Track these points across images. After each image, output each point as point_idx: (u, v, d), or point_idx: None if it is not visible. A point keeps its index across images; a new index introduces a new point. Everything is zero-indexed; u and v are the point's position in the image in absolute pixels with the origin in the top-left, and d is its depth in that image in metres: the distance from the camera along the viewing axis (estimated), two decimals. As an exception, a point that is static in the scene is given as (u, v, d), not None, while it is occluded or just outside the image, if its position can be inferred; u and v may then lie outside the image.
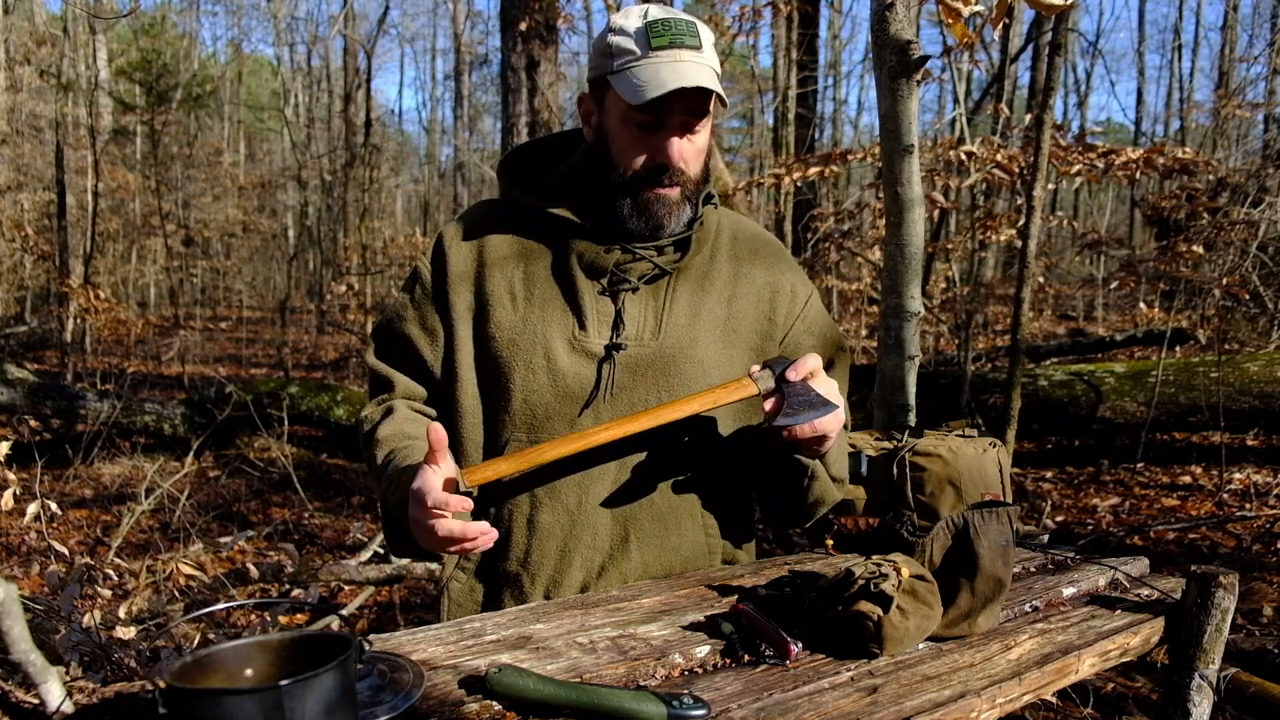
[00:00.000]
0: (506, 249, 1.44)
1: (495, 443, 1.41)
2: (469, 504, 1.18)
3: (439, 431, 1.16)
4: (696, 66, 1.30)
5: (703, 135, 1.38)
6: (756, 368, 1.33)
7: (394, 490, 1.29)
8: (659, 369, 1.39)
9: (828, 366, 1.52)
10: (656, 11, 1.34)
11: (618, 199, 1.38)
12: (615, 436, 1.28)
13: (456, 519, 1.16)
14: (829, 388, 1.32)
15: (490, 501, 1.42)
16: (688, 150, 1.36)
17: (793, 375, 1.29)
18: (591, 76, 1.40)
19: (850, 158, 6.90)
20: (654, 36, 1.30)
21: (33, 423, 7.74)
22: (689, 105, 1.32)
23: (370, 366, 1.50)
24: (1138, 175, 5.85)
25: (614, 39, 1.33)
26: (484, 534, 1.17)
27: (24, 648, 1.30)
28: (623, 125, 1.35)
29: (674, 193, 1.37)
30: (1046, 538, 1.89)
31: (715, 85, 1.30)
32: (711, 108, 1.37)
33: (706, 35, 1.35)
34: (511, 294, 1.41)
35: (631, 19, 1.34)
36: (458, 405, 1.43)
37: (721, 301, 1.45)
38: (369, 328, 11.70)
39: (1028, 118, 5.69)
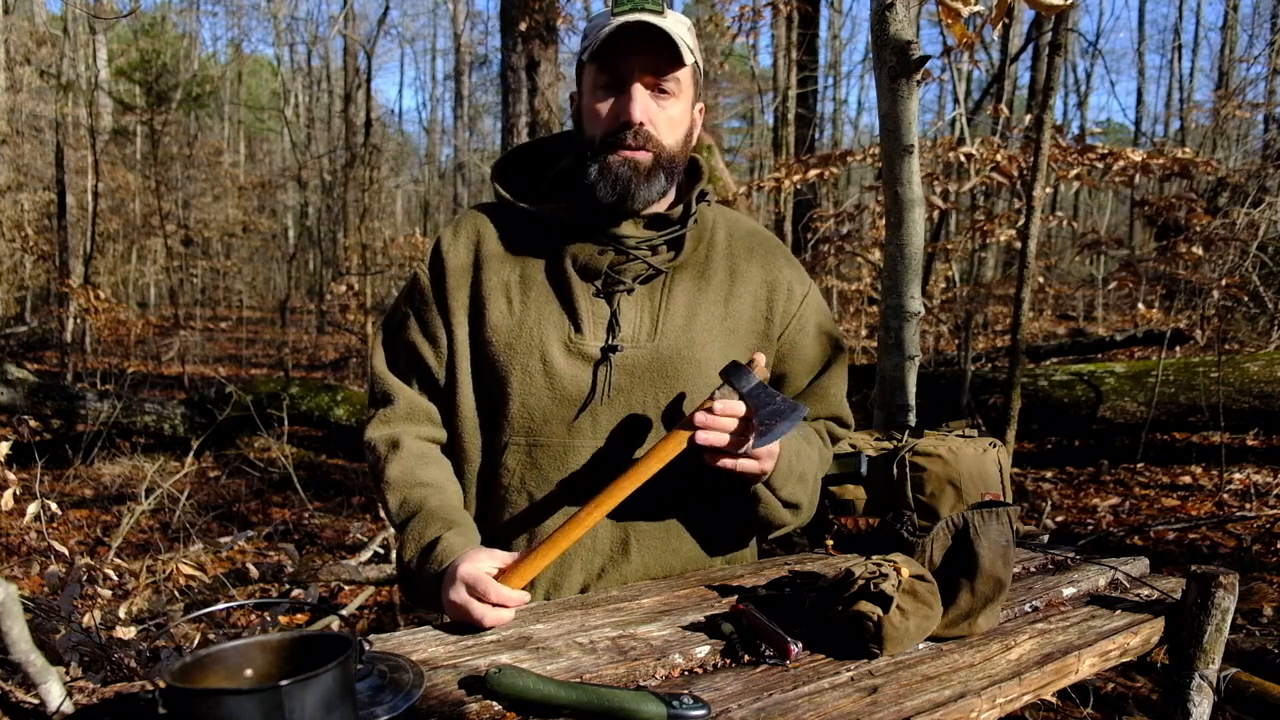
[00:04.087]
0: (502, 252, 1.44)
1: (494, 446, 1.41)
2: (526, 597, 1.24)
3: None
4: (653, 18, 1.30)
5: (674, 106, 1.37)
6: (718, 389, 1.30)
7: (424, 562, 1.29)
8: (657, 370, 1.38)
9: (825, 366, 1.51)
10: None
11: (588, 168, 1.37)
12: (617, 500, 1.27)
13: (505, 612, 1.20)
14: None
15: (490, 505, 1.42)
16: (656, 114, 1.35)
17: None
18: (576, 69, 1.44)
19: (850, 158, 6.90)
20: (615, 5, 1.33)
21: (33, 423, 7.73)
22: (649, 62, 1.33)
23: (375, 373, 1.48)
24: (1137, 179, 5.85)
25: (588, 26, 1.39)
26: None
27: (24, 648, 1.30)
28: (592, 94, 1.37)
29: (643, 156, 1.35)
30: (1046, 538, 1.89)
31: (674, 34, 1.30)
32: (683, 78, 1.36)
33: (677, 16, 1.36)
34: (507, 297, 1.41)
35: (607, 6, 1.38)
36: (457, 409, 1.42)
37: (718, 300, 1.44)
38: (369, 328, 11.70)
39: (1028, 118, 5.68)
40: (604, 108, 1.35)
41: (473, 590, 1.18)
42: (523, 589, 1.25)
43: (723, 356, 1.41)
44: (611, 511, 1.38)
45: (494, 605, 1.18)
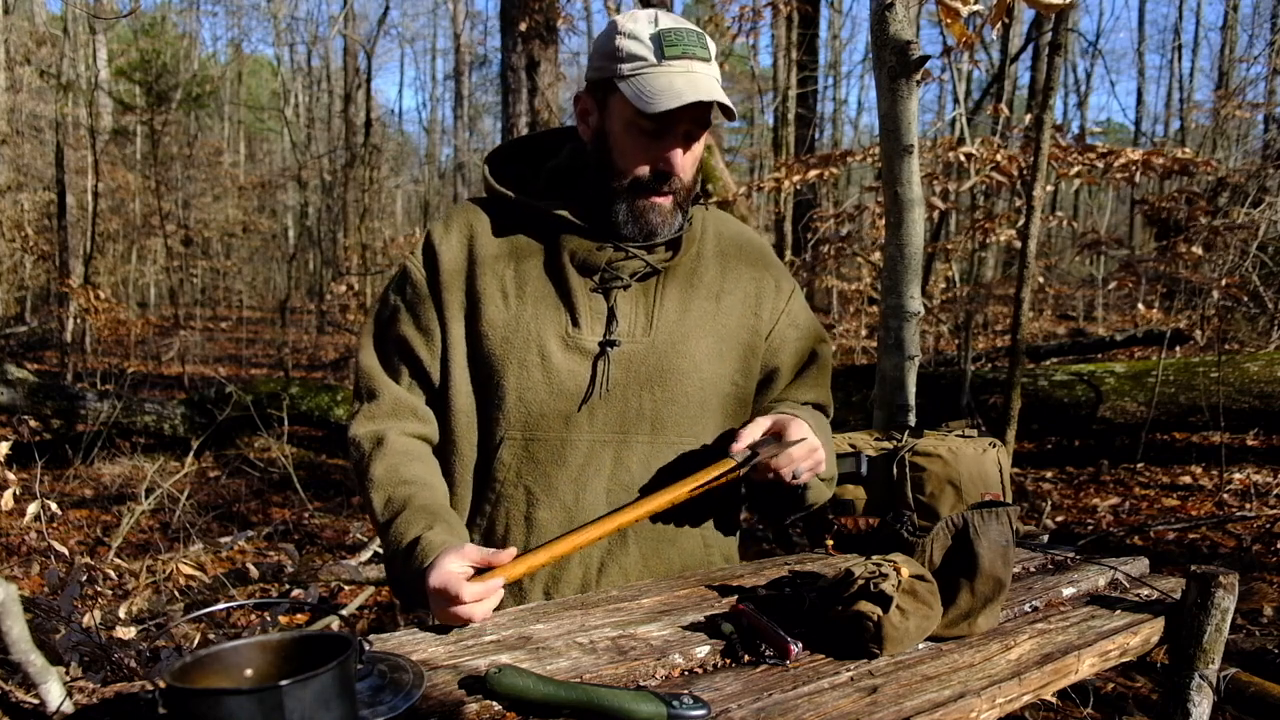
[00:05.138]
0: (496, 247, 1.43)
1: (490, 442, 1.41)
2: (500, 594, 1.21)
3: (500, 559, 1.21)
4: (708, 79, 1.31)
5: (699, 144, 1.40)
6: (738, 446, 1.36)
7: (407, 563, 1.28)
8: (652, 366, 1.39)
9: (809, 361, 1.55)
10: (666, 20, 1.34)
11: (615, 204, 1.38)
12: (620, 525, 1.29)
13: (484, 604, 1.19)
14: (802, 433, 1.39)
15: (487, 500, 1.42)
16: (687, 160, 1.38)
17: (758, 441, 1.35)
18: (594, 77, 1.38)
19: (850, 158, 6.90)
20: (667, 46, 1.30)
21: (33, 423, 7.74)
22: (696, 116, 1.33)
23: (362, 368, 1.46)
24: (1137, 177, 5.85)
25: (623, 43, 1.32)
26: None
27: (24, 648, 1.30)
28: (627, 130, 1.35)
29: (669, 201, 1.38)
30: (1046, 538, 1.89)
31: (725, 98, 1.32)
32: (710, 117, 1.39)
33: (712, 46, 1.37)
34: (503, 291, 1.41)
35: (641, 24, 1.33)
36: (451, 404, 1.42)
37: (710, 298, 1.46)
38: (369, 328, 11.65)
39: (1028, 118, 5.68)
40: (642, 151, 1.36)
41: (445, 596, 1.17)
42: (516, 582, 1.26)
43: (715, 352, 1.43)
44: (609, 503, 1.39)
45: (471, 603, 1.16)
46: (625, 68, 1.31)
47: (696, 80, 1.29)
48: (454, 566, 1.19)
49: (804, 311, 1.56)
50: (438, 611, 1.20)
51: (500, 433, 1.39)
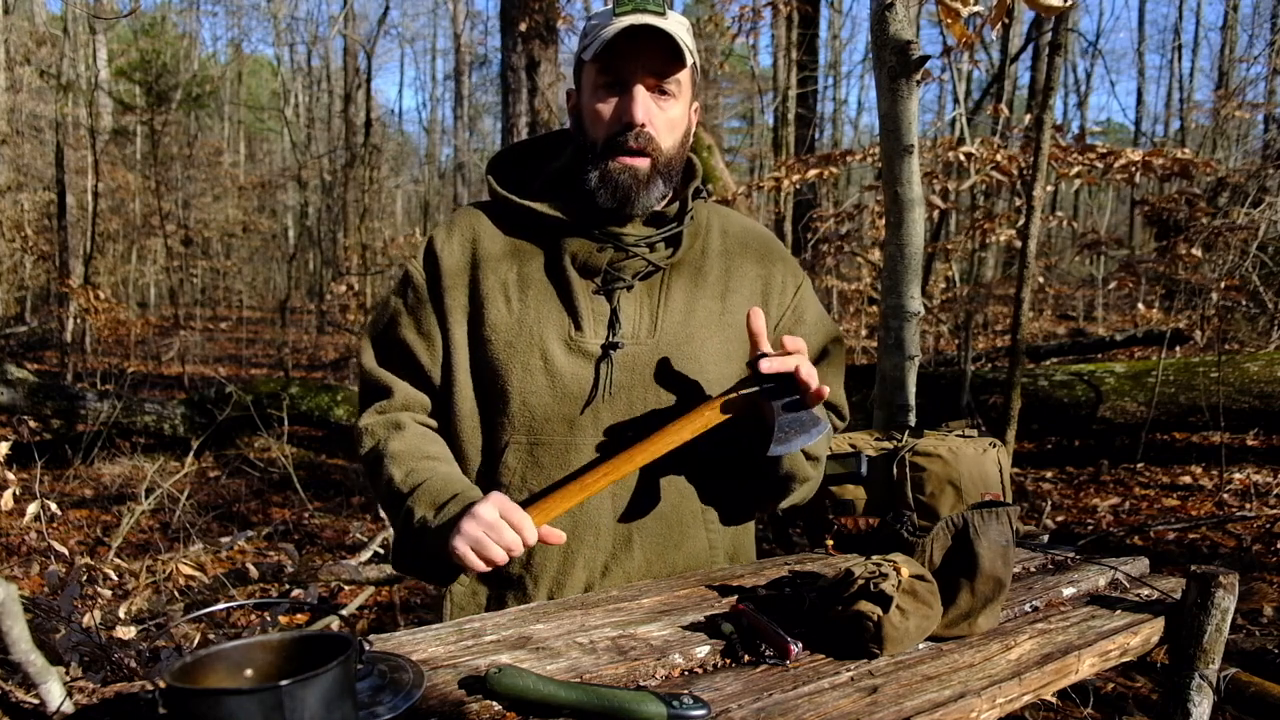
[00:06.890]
0: (499, 250, 1.43)
1: (494, 446, 1.40)
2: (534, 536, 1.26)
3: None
4: (656, 19, 1.32)
5: (674, 107, 1.38)
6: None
7: (441, 512, 1.29)
8: (657, 367, 1.39)
9: (821, 356, 1.53)
10: None
11: (587, 172, 1.38)
12: (624, 471, 1.30)
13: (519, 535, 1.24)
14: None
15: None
16: (656, 115, 1.36)
17: (766, 366, 1.26)
18: (575, 67, 1.44)
19: (850, 158, 6.90)
20: (619, 5, 1.34)
21: (33, 423, 7.74)
22: (651, 64, 1.34)
23: (366, 371, 1.46)
24: (1137, 177, 5.85)
25: (589, 24, 1.38)
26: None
27: (24, 648, 1.30)
28: (593, 94, 1.37)
29: (642, 163, 1.36)
30: (1046, 538, 1.89)
31: (676, 36, 1.31)
32: (684, 79, 1.38)
33: (678, 17, 1.37)
34: (505, 295, 1.40)
35: (604, 6, 1.39)
36: (455, 409, 1.42)
37: (715, 296, 1.45)
38: (368, 328, 11.67)
39: (1028, 118, 5.68)
40: (605, 108, 1.36)
41: (504, 513, 1.22)
42: (521, 584, 1.31)
43: (721, 353, 1.42)
44: (613, 507, 1.39)
45: (512, 527, 1.22)
46: (587, 39, 1.36)
47: (641, 18, 1.31)
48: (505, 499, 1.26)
49: (813, 306, 1.53)
50: (485, 524, 1.22)
51: (505, 437, 1.39)
